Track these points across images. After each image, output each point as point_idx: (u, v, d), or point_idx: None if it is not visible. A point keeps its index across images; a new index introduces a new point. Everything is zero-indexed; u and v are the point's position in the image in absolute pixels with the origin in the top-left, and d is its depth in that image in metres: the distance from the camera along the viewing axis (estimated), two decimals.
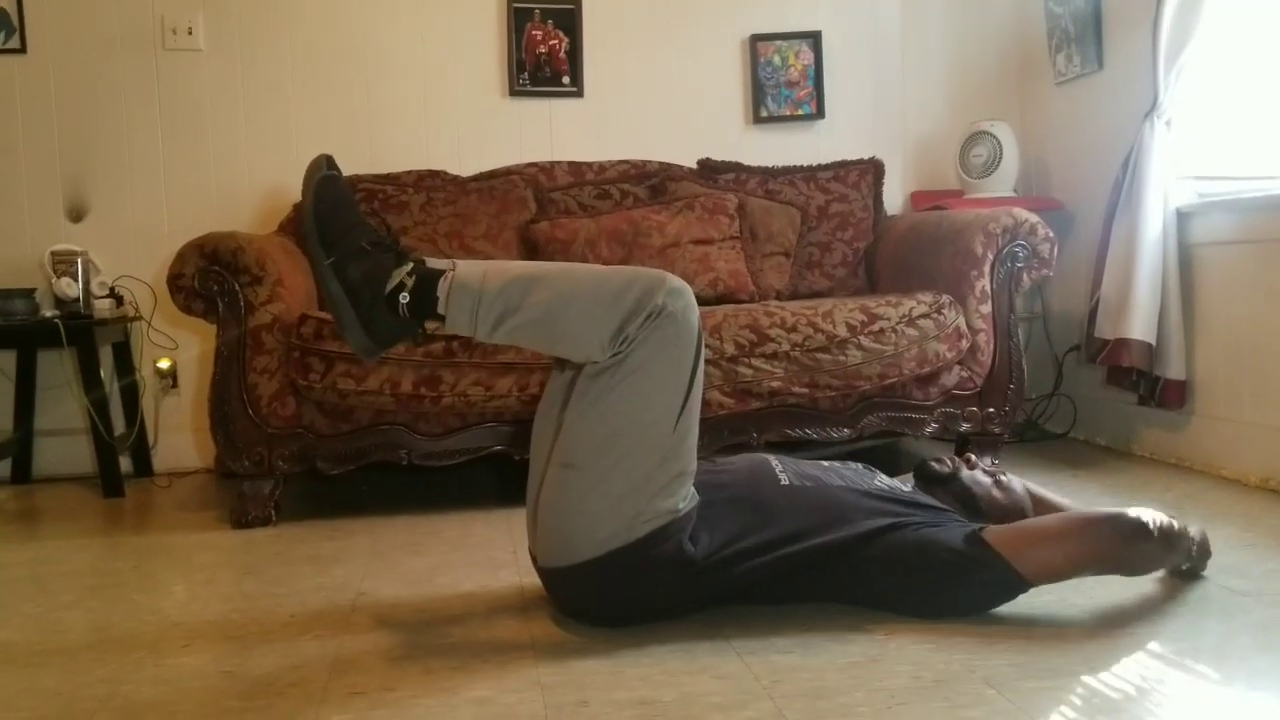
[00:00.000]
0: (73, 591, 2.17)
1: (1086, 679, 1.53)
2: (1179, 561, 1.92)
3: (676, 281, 1.72)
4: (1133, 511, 1.81)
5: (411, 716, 1.47)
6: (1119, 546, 1.79)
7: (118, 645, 1.82)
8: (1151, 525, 1.79)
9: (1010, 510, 1.98)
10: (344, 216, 1.72)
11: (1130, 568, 1.87)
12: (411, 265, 1.71)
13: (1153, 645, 1.65)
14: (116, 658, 1.75)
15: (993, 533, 1.79)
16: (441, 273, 1.70)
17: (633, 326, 1.67)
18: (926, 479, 2.01)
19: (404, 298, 1.69)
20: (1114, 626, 1.75)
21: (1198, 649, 1.63)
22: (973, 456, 2.10)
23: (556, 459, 1.76)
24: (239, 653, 1.76)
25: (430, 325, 1.74)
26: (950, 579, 1.78)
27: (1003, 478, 2.03)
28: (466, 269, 1.72)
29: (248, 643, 1.81)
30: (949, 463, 2.04)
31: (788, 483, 1.86)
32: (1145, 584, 1.96)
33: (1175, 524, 1.87)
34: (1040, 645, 1.67)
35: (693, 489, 1.79)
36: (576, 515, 1.74)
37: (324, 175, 1.72)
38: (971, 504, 1.98)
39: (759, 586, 1.81)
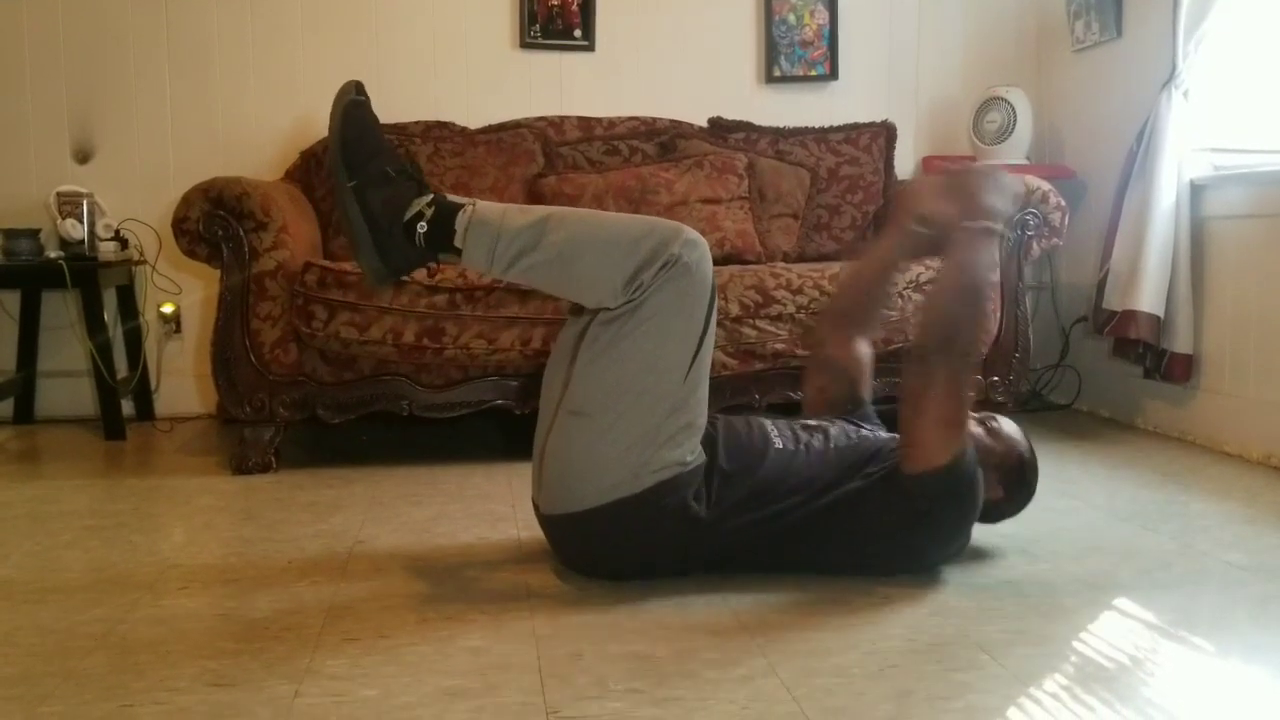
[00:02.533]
0: (72, 531, 2.18)
1: (1080, 647, 1.53)
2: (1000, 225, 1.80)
3: (693, 233, 1.72)
4: (940, 327, 1.75)
5: (405, 663, 1.48)
6: (946, 362, 1.71)
7: (115, 585, 1.82)
8: (956, 326, 1.73)
9: (1007, 455, 1.94)
10: (369, 142, 1.73)
11: (968, 348, 1.75)
12: (432, 196, 1.72)
13: (1148, 616, 1.65)
14: (114, 597, 1.76)
15: (899, 463, 1.77)
16: (461, 206, 1.72)
17: (647, 274, 1.67)
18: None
19: (422, 227, 1.70)
20: (1109, 596, 1.75)
21: (1194, 621, 1.63)
22: None
23: (565, 406, 1.76)
24: (236, 596, 1.77)
25: (446, 258, 1.74)
26: (908, 523, 1.77)
27: (992, 423, 1.99)
28: (487, 206, 1.74)
29: (244, 586, 1.82)
30: None
31: (782, 446, 1.85)
32: (1142, 556, 1.97)
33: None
34: (1034, 613, 1.67)
35: (700, 445, 1.79)
36: (583, 462, 1.74)
37: (352, 100, 1.73)
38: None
39: (755, 548, 1.81)
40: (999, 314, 2.88)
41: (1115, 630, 1.60)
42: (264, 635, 1.59)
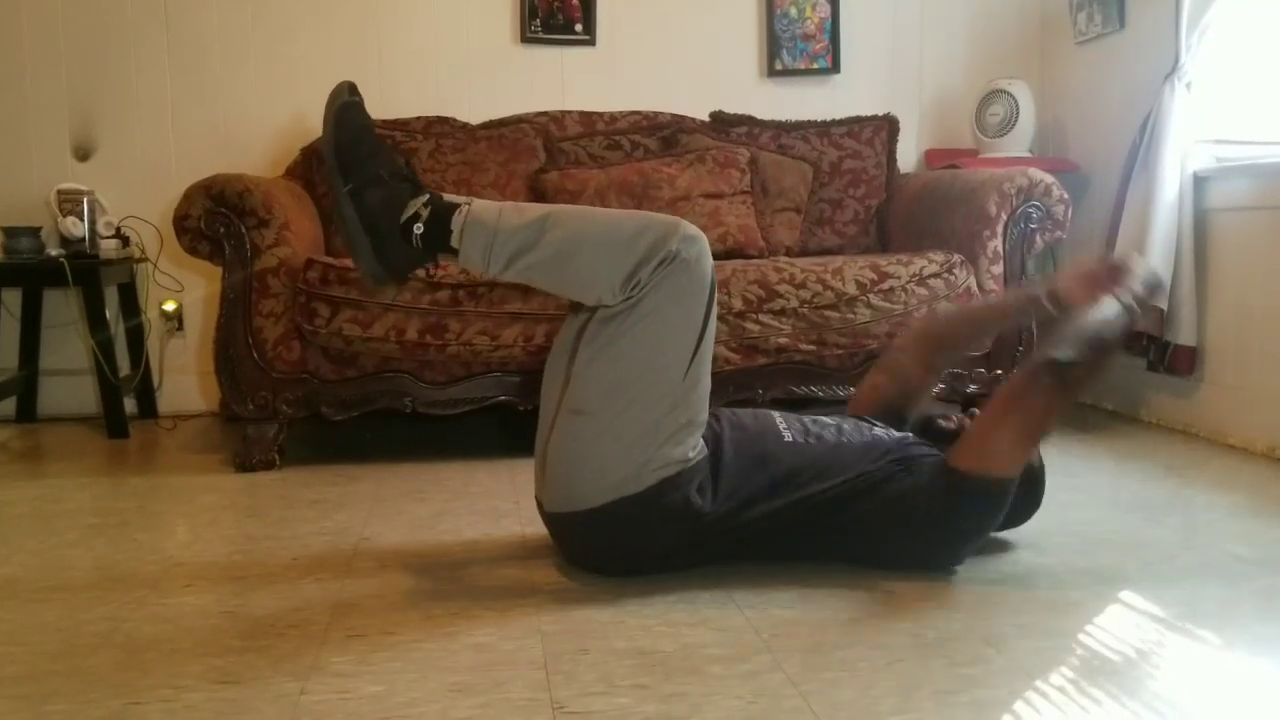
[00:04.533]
0: (76, 530, 2.18)
1: (1086, 640, 1.53)
2: (1120, 331, 1.78)
3: (691, 228, 1.71)
4: (1055, 349, 1.75)
5: (411, 660, 1.47)
6: (1057, 388, 1.71)
7: (120, 583, 1.82)
8: (1074, 354, 1.72)
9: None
10: (364, 144, 1.72)
11: (1082, 390, 1.80)
12: (428, 197, 1.72)
13: (1154, 609, 1.65)
14: (118, 595, 1.76)
15: (953, 454, 1.78)
16: (457, 206, 1.71)
17: (645, 271, 1.67)
18: (933, 437, 2.00)
19: (418, 228, 1.70)
20: (1115, 590, 1.75)
21: (1199, 614, 1.63)
22: (977, 411, 2.08)
23: (566, 405, 1.76)
24: (241, 593, 1.77)
25: (443, 258, 1.74)
26: (936, 517, 1.77)
27: None
28: (483, 205, 1.73)
29: (249, 584, 1.82)
30: (954, 420, 2.03)
31: (791, 439, 1.85)
32: (1148, 549, 1.96)
33: (1099, 328, 1.76)
34: (1040, 606, 1.67)
35: (702, 441, 1.79)
36: (585, 461, 1.73)
37: (346, 101, 1.72)
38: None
39: (762, 541, 1.81)
40: None
41: (1121, 624, 1.60)
42: (269, 632, 1.59)
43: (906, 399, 2.11)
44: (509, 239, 1.69)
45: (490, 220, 1.70)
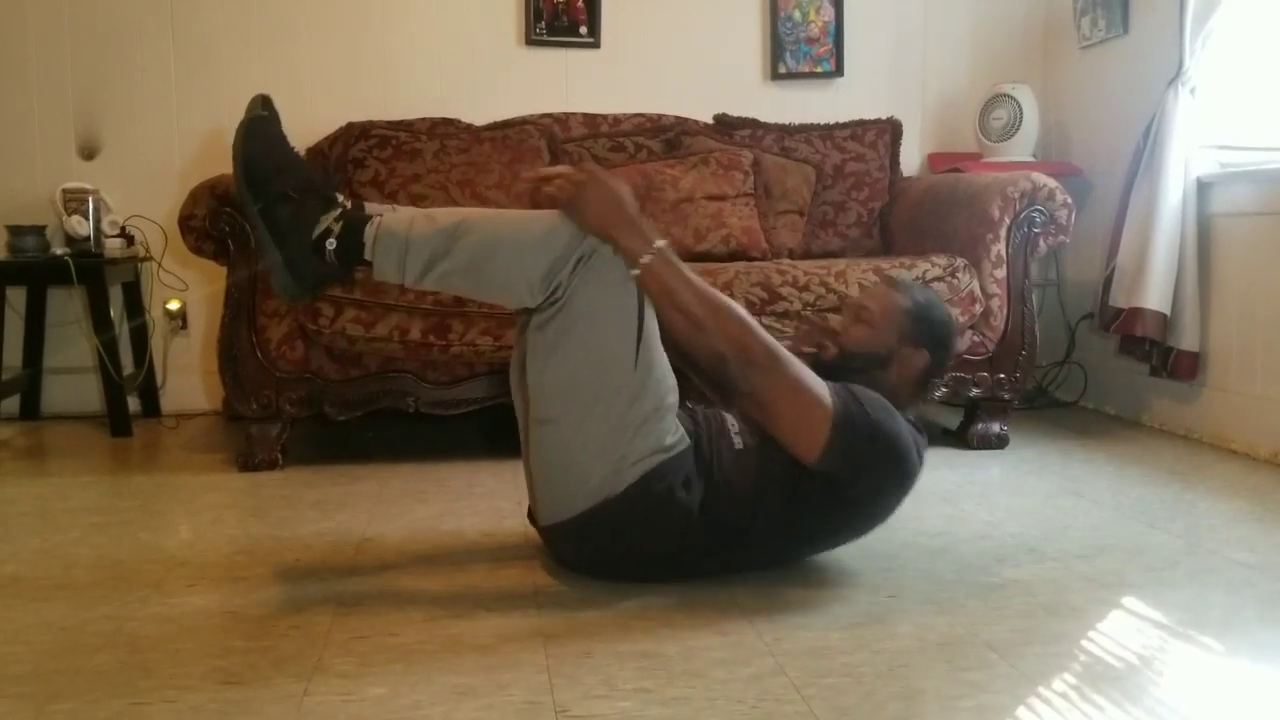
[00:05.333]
0: (79, 528, 2.18)
1: (1089, 646, 1.53)
2: None
3: None
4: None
5: (414, 662, 1.48)
6: (725, 346, 1.68)
7: (123, 582, 1.83)
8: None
9: (892, 323, 1.88)
10: (272, 160, 1.70)
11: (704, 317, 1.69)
12: (339, 211, 1.70)
13: (1157, 615, 1.65)
14: (121, 594, 1.76)
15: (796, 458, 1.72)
16: (368, 219, 1.70)
17: (564, 272, 1.66)
18: (831, 376, 1.83)
19: (330, 243, 1.68)
20: (1117, 595, 1.75)
21: (1202, 621, 1.63)
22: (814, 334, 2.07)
23: (533, 417, 1.75)
24: (243, 593, 1.77)
25: (361, 271, 1.74)
26: (856, 499, 1.75)
27: (862, 312, 1.92)
28: (396, 216, 1.72)
29: (252, 584, 1.82)
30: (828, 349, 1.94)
31: (741, 445, 1.81)
32: (1150, 554, 1.96)
33: None
34: (1044, 611, 1.67)
35: (682, 427, 1.76)
36: (563, 469, 1.73)
37: (255, 116, 1.71)
38: (866, 361, 1.88)
39: (747, 548, 1.80)
40: (1005, 310, 2.87)
41: (1124, 630, 1.60)
42: (272, 633, 1.59)
43: None
44: (421, 248, 1.68)
45: (401, 231, 1.68)
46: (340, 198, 1.73)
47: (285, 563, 1.94)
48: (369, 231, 1.68)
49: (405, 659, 1.49)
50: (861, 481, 1.73)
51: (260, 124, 1.71)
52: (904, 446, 1.73)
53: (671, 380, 1.76)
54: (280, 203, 1.68)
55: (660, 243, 1.68)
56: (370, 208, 1.74)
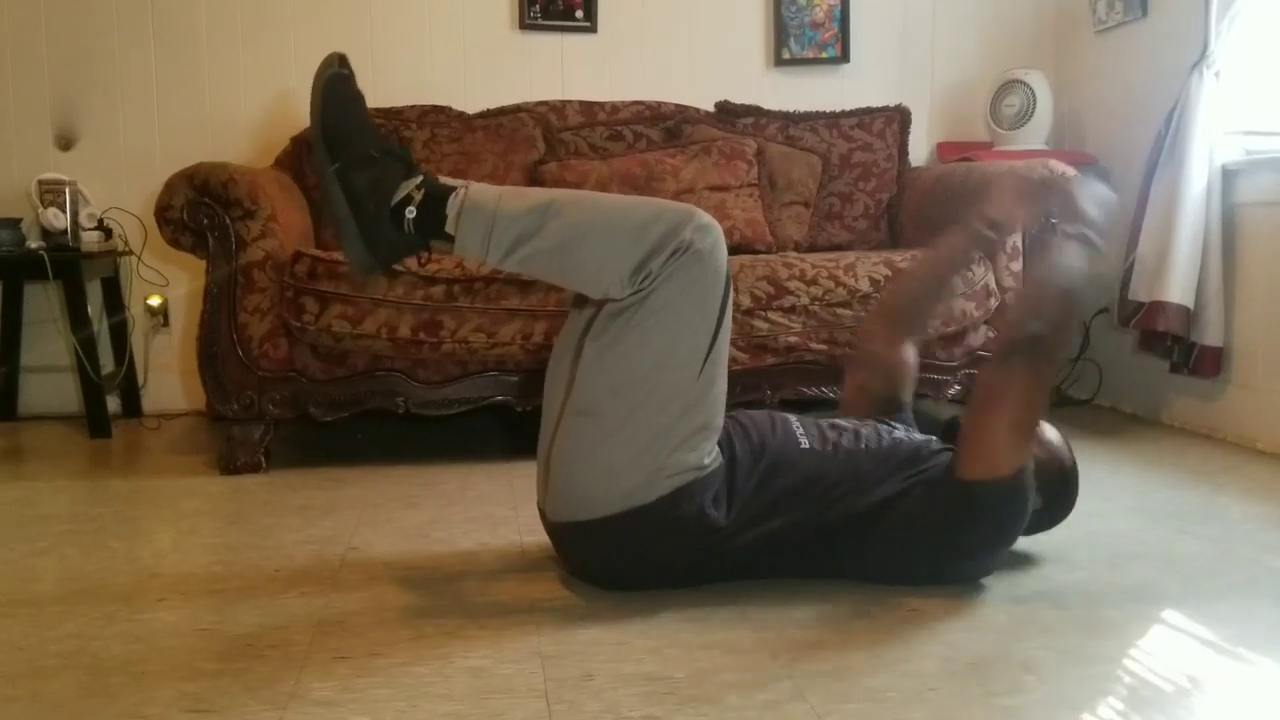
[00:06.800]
0: (49, 537, 2.06)
1: (1131, 666, 1.41)
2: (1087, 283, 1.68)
3: (705, 217, 1.59)
4: (1016, 325, 1.67)
5: (400, 686, 1.36)
6: (1031, 365, 1.61)
7: (90, 597, 1.71)
8: (1038, 324, 1.62)
9: (1049, 463, 1.81)
10: (353, 119, 1.59)
11: (1059, 352, 1.67)
12: (422, 178, 1.59)
13: (1201, 630, 1.54)
14: (87, 610, 1.64)
15: (956, 466, 1.66)
16: (453, 189, 1.58)
17: (656, 263, 1.55)
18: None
19: (410, 212, 1.57)
20: (1155, 609, 1.63)
21: (1251, 637, 1.51)
22: None
23: (571, 407, 1.64)
24: (218, 609, 1.65)
25: (437, 246, 1.62)
26: (955, 530, 1.66)
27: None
28: (481, 189, 1.60)
29: (228, 598, 1.70)
30: None
31: (808, 446, 1.73)
32: (1184, 563, 1.85)
33: (1061, 279, 1.65)
34: (1077, 627, 1.55)
35: (718, 448, 1.67)
36: (593, 467, 1.61)
37: (335, 73, 1.58)
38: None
39: (779, 556, 1.69)
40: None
41: (1167, 647, 1.48)
42: (247, 654, 1.47)
43: (894, 385, 1.98)
44: (509, 225, 1.56)
45: (489, 205, 1.57)
46: (420, 165, 1.62)
47: (264, 574, 1.82)
48: (453, 202, 1.57)
49: (390, 683, 1.37)
50: (970, 535, 1.67)
51: (340, 81, 1.59)
52: (1011, 539, 1.72)
53: (724, 402, 1.65)
54: (359, 166, 1.57)
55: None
56: (446, 180, 1.62)
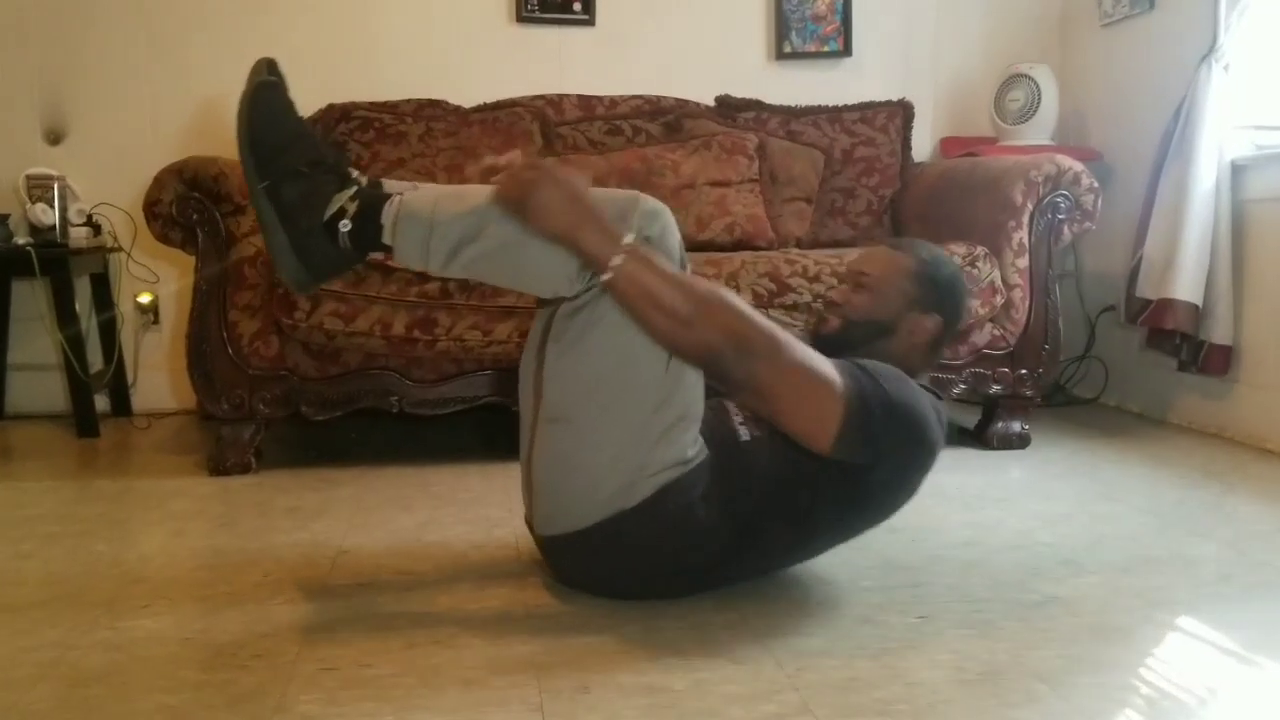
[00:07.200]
0: (32, 539, 2.00)
1: (1147, 675, 1.36)
2: None
3: (651, 202, 1.52)
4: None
5: (389, 699, 1.30)
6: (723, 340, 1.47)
7: (71, 603, 1.65)
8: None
9: (897, 286, 1.72)
10: (283, 131, 1.51)
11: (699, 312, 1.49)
12: (355, 190, 1.51)
13: (1218, 638, 1.49)
14: (68, 618, 1.59)
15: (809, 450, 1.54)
16: (387, 198, 1.51)
17: None
18: (833, 352, 1.65)
19: (345, 225, 1.50)
20: (1169, 614, 1.58)
21: (1269, 644, 1.46)
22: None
23: (543, 415, 1.57)
24: (203, 616, 1.59)
25: (376, 257, 1.55)
26: (877, 483, 1.58)
27: (860, 278, 1.76)
28: (418, 194, 1.53)
29: (214, 604, 1.64)
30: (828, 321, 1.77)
31: (747, 437, 1.63)
32: (1198, 566, 1.80)
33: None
34: (1090, 634, 1.50)
35: (701, 439, 1.59)
36: (573, 475, 1.55)
37: (262, 81, 1.50)
38: (870, 331, 1.72)
39: (757, 556, 1.63)
40: (1028, 301, 2.70)
41: (1184, 655, 1.43)
42: (231, 664, 1.41)
43: None
44: (447, 230, 1.49)
45: (425, 211, 1.49)
46: (356, 174, 1.54)
47: (252, 580, 1.76)
48: (388, 211, 1.50)
49: (379, 695, 1.31)
50: (884, 463, 1.54)
51: (267, 91, 1.51)
52: (923, 416, 1.55)
53: (702, 388, 1.58)
54: (289, 180, 1.49)
55: (629, 238, 1.47)
56: (389, 185, 1.55)
